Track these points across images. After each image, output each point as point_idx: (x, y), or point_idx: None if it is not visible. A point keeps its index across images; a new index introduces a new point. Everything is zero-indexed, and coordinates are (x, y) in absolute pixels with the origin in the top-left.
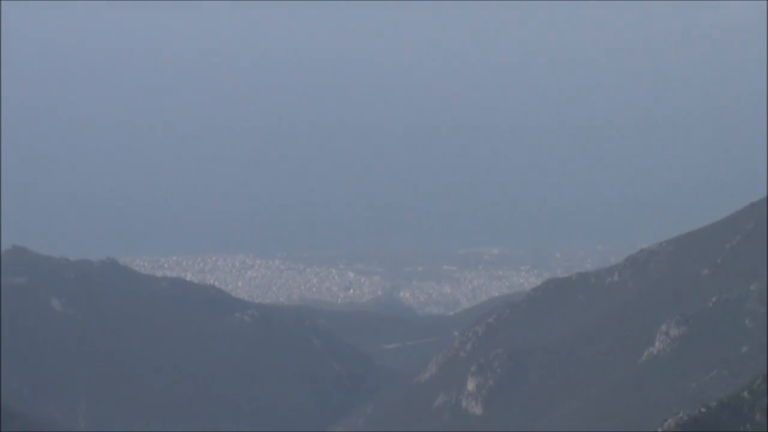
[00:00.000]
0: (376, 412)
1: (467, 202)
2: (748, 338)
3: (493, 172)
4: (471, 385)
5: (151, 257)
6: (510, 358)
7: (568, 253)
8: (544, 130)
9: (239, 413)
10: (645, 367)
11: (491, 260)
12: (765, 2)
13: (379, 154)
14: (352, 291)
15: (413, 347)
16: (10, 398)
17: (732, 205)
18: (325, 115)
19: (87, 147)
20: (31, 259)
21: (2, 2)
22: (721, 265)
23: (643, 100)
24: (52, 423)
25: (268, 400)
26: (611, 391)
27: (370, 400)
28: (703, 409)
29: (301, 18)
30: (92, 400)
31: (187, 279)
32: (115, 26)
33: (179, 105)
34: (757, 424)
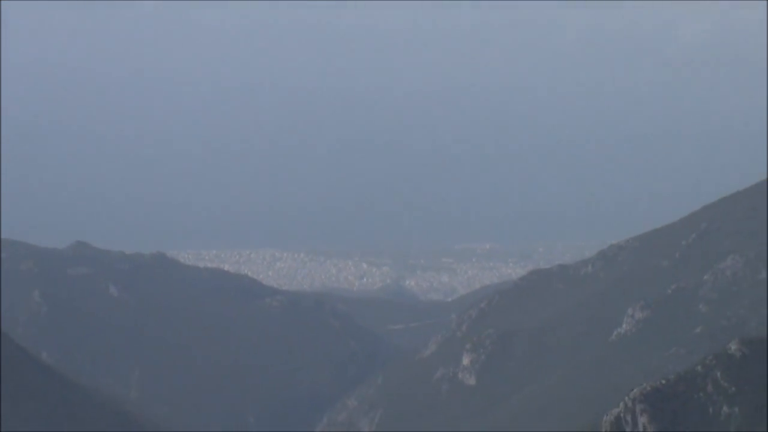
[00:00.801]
0: (385, 382)
1: (463, 204)
2: (702, 321)
3: (485, 177)
4: (466, 360)
5: (195, 251)
6: (499, 337)
7: (550, 247)
8: (537, 137)
9: (269, 383)
10: (614, 344)
11: (483, 254)
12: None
13: (389, 163)
14: (365, 280)
15: (416, 328)
16: (74, 370)
17: (688, 207)
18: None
19: (137, 156)
20: (92, 253)
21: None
22: (679, 258)
23: (626, 107)
24: (110, 393)
25: (293, 372)
26: (586, 365)
27: (380, 373)
28: (663, 381)
29: None
30: (144, 371)
31: (225, 269)
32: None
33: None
34: (709, 393)
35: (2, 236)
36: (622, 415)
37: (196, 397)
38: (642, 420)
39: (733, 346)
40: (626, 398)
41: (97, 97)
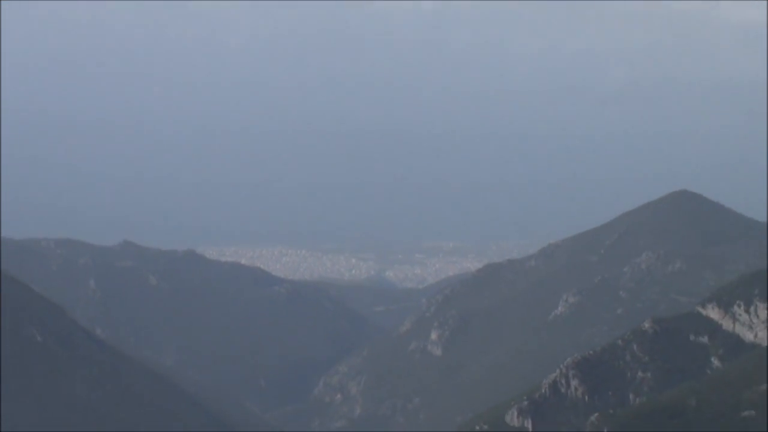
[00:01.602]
0: (369, 353)
1: (432, 210)
2: (622, 304)
3: (450, 187)
4: (434, 336)
5: (218, 248)
6: (460, 317)
7: (501, 245)
8: (496, 157)
9: (277, 353)
10: (552, 323)
11: (448, 250)
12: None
13: (376, 173)
14: (353, 271)
15: (394, 310)
16: (121, 343)
17: (611, 214)
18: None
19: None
20: (137, 250)
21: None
22: (604, 254)
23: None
24: (151, 361)
25: (296, 345)
26: (529, 339)
27: (365, 346)
28: (591, 352)
29: None
30: (177, 343)
31: (242, 263)
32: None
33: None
34: (627, 361)
35: (65, 236)
36: (558, 378)
37: (219, 364)
38: (573, 383)
39: (647, 324)
40: (561, 365)
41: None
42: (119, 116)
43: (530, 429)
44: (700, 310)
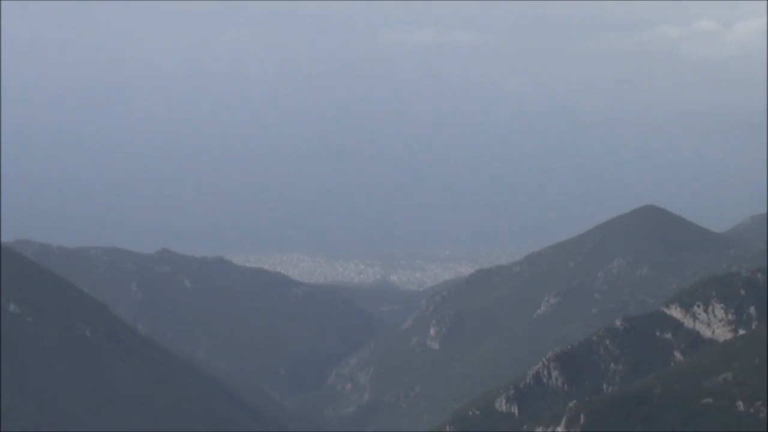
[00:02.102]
0: (376, 348)
1: (430, 224)
2: (596, 305)
3: (447, 200)
4: (432, 332)
5: (244, 255)
6: (455, 315)
7: (491, 253)
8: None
9: (295, 347)
10: (536, 321)
11: (444, 257)
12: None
13: (382, 193)
14: (362, 275)
15: (398, 309)
16: (160, 339)
17: (587, 225)
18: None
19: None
20: (173, 257)
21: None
22: (581, 260)
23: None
24: (185, 353)
25: (312, 340)
26: (516, 335)
27: (373, 341)
28: (569, 346)
29: None
30: (208, 338)
31: (265, 268)
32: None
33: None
34: (601, 354)
35: (111, 245)
36: (540, 370)
37: (244, 356)
38: (554, 373)
39: (618, 322)
40: (544, 358)
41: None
42: (158, 138)
43: (516, 414)
44: (665, 309)
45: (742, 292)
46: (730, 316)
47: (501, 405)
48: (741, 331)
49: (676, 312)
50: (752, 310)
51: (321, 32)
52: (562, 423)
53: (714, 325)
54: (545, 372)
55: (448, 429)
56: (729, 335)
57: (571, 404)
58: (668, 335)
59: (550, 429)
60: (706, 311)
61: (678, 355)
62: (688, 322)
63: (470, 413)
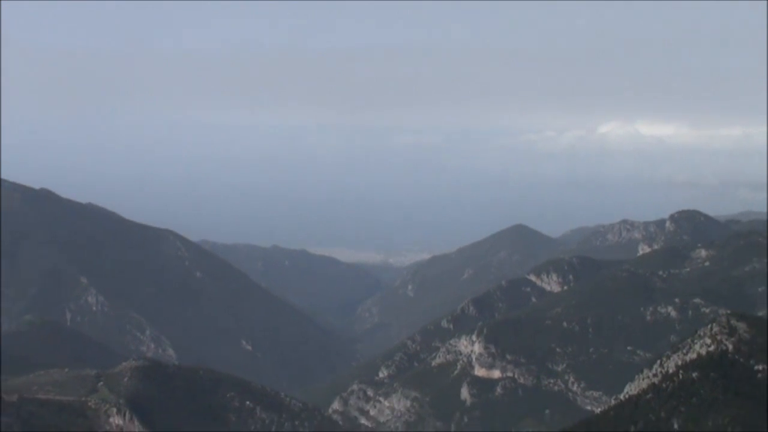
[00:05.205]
0: (381, 295)
1: (413, 235)
2: (493, 275)
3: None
4: (409, 287)
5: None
6: (421, 279)
7: (439, 246)
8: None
9: (344, 293)
10: (461, 282)
11: (416, 251)
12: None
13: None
14: (375, 259)
15: (392, 276)
16: (279, 294)
17: (490, 230)
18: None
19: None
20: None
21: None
22: (488, 252)
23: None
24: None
25: (351, 291)
26: (451, 289)
27: (379, 291)
28: (478, 295)
29: None
30: (307, 295)
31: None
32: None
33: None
34: (494, 299)
35: (249, 241)
36: (464, 306)
37: (318, 297)
38: (471, 308)
39: (504, 282)
40: (465, 300)
41: None
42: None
43: (452, 328)
44: (527, 276)
45: (566, 267)
46: (559, 279)
47: (444, 324)
48: (564, 288)
49: (533, 277)
50: (570, 277)
51: None
52: (474, 333)
53: (552, 284)
54: (467, 307)
55: (417, 337)
56: (558, 289)
57: (479, 324)
58: (528, 289)
59: (469, 337)
60: (548, 277)
61: (534, 299)
62: (538, 282)
63: (428, 328)
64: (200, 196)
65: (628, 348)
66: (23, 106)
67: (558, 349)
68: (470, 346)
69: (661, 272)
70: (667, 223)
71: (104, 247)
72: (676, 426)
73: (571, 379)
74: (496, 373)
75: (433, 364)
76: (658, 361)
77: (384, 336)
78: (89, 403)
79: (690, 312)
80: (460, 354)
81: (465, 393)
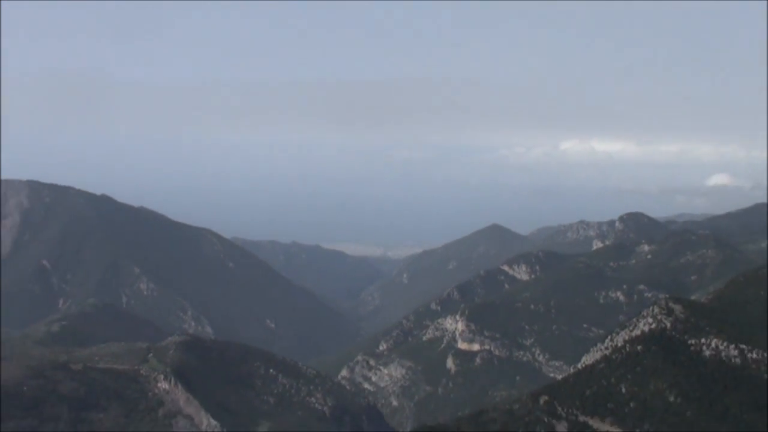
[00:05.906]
0: (381, 282)
1: (412, 234)
2: (473, 265)
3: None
4: (404, 276)
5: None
6: (414, 269)
7: (432, 243)
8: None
9: (348, 281)
10: (447, 272)
11: (410, 246)
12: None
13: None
14: (378, 252)
15: (390, 267)
16: (297, 281)
17: (470, 230)
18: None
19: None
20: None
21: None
22: (468, 248)
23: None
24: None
25: (356, 280)
26: (439, 277)
27: (379, 279)
28: (461, 282)
29: None
30: (312, 281)
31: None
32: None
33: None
34: (475, 286)
35: (272, 238)
36: (450, 291)
37: (328, 283)
38: (455, 293)
39: (482, 272)
40: (450, 287)
41: None
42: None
43: (439, 310)
44: (502, 267)
45: (533, 260)
46: (528, 269)
47: (433, 306)
48: (532, 276)
49: (506, 268)
50: (537, 268)
51: None
52: (458, 314)
53: (522, 274)
54: (452, 293)
55: (410, 317)
56: (527, 278)
57: (462, 306)
58: (502, 278)
59: (453, 316)
60: (518, 267)
61: (507, 286)
62: (511, 272)
63: (420, 309)
64: (233, 200)
65: (585, 326)
66: (117, 131)
67: (527, 327)
68: (454, 324)
69: (611, 264)
70: (617, 224)
71: (153, 242)
72: (623, 390)
73: (538, 351)
74: (476, 347)
75: (424, 339)
76: (609, 337)
77: (383, 316)
78: (141, 371)
79: (635, 296)
80: (446, 331)
81: (450, 363)
